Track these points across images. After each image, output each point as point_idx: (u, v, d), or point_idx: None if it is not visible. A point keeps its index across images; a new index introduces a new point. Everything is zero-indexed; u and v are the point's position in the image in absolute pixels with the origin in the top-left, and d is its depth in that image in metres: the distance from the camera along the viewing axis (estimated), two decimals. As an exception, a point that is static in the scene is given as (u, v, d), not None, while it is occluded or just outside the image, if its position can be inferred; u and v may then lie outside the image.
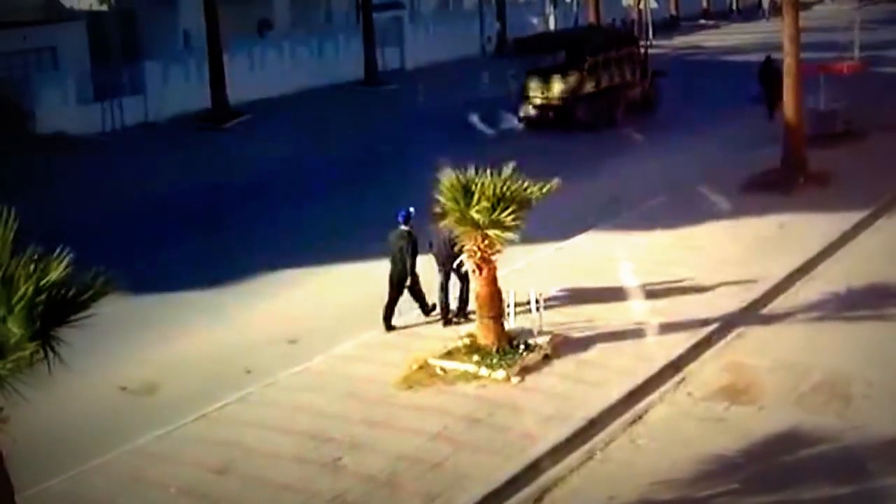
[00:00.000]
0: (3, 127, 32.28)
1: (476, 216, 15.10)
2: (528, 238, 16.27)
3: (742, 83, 37.56)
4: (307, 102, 40.44)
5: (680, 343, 16.14)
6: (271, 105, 39.35)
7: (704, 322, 16.89)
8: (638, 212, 23.45)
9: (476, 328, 15.85)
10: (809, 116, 27.64)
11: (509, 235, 15.24)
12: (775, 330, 17.14)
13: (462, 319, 17.00)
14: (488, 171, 15.35)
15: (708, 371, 15.64)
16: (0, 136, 31.97)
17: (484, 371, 15.02)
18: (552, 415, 13.83)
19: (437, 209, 15.54)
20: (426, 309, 17.42)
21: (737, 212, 22.91)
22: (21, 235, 9.02)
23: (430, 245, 17.03)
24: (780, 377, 15.26)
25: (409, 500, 11.92)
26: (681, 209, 23.35)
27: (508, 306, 16.24)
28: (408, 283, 17.03)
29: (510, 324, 16.16)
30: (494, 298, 15.67)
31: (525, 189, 15.33)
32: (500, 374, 14.96)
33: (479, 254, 15.42)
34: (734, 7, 75.66)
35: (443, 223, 15.76)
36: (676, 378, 15.31)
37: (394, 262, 17.07)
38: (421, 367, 15.27)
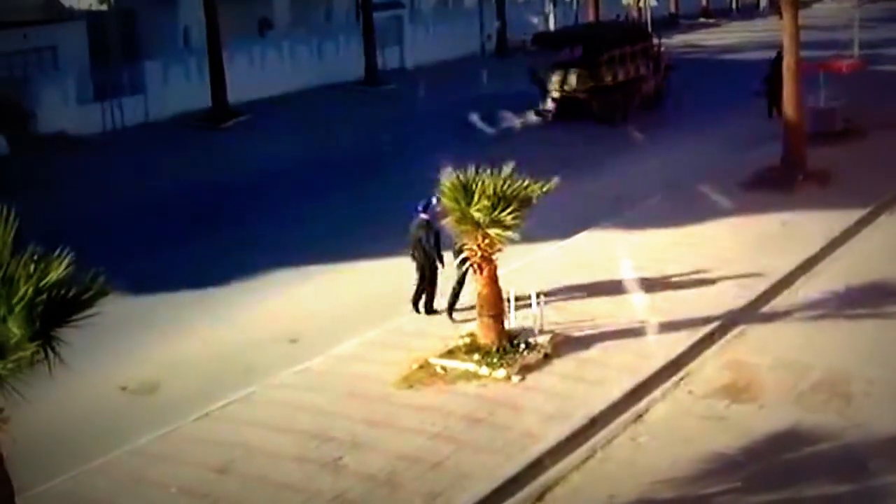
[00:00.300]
0: (3, 127, 32.29)
1: (476, 215, 15.10)
2: (529, 236, 16.28)
3: (742, 81, 37.61)
4: (307, 102, 40.45)
5: (680, 341, 16.14)
6: (271, 104, 39.36)
7: (705, 320, 16.89)
8: (639, 210, 23.45)
9: (476, 327, 15.85)
10: (809, 115, 27.63)
11: (510, 234, 15.24)
12: (776, 328, 17.14)
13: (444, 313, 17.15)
14: (489, 170, 15.36)
15: (709, 369, 15.65)
16: (1, 136, 32.10)
17: (484, 370, 15.02)
18: (553, 413, 13.83)
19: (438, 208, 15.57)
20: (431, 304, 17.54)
21: (737, 210, 22.90)
22: (21, 235, 9.02)
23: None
24: (781, 375, 15.26)
25: (409, 499, 11.92)
26: (681, 207, 23.35)
27: (509, 304, 16.24)
28: (440, 269, 17.14)
29: (510, 323, 16.16)
30: (495, 297, 15.68)
31: (525, 188, 15.33)
32: (501, 373, 14.96)
33: (479, 253, 15.43)
34: (733, 5, 75.66)
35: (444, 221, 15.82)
36: (677, 376, 15.31)
37: (414, 252, 17.11)
38: (421, 367, 15.27)
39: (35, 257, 8.88)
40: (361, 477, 12.35)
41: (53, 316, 8.78)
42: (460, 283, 17.04)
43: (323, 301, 18.87)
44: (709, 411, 14.30)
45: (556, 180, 15.71)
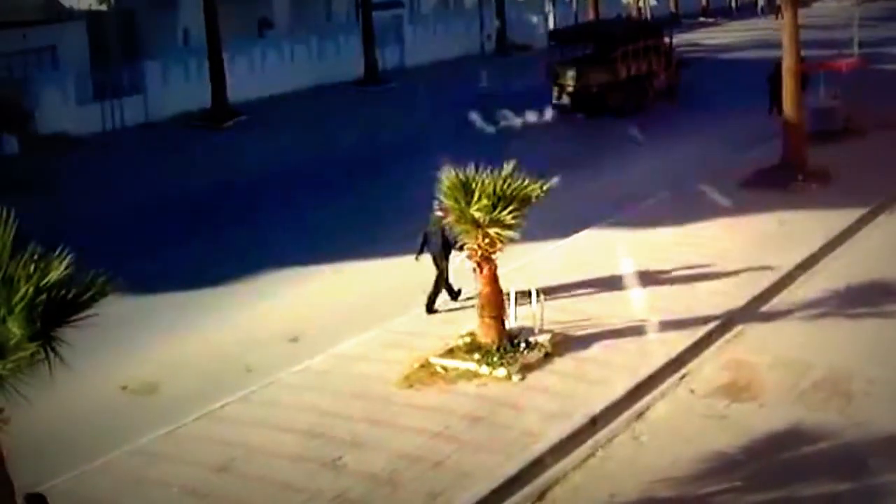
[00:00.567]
0: (3, 127, 32.30)
1: (476, 214, 15.10)
2: (528, 235, 16.29)
3: (742, 80, 37.61)
4: (307, 102, 40.43)
5: (681, 340, 16.14)
6: (271, 104, 39.37)
7: (705, 319, 16.90)
8: (639, 209, 23.45)
9: (477, 327, 15.85)
10: (809, 114, 27.62)
11: (510, 234, 15.24)
12: (776, 327, 17.14)
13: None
14: (489, 170, 15.37)
15: (709, 368, 15.65)
16: (11, 136, 32.15)
17: (485, 369, 15.03)
18: (553, 413, 13.83)
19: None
20: (453, 293, 17.71)
21: (737, 209, 22.90)
22: (21, 236, 9.02)
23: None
24: (781, 374, 15.26)
25: (410, 498, 11.93)
26: (681, 206, 23.35)
27: (509, 302, 16.24)
28: (444, 265, 17.32)
29: (511, 322, 16.16)
30: (495, 297, 15.68)
31: (525, 187, 15.33)
32: (501, 372, 14.96)
33: (479, 252, 15.43)
34: (733, 5, 75.63)
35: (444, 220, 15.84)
36: (677, 375, 15.31)
37: (431, 248, 17.26)
38: (422, 366, 15.28)
39: (35, 258, 8.89)
40: (362, 476, 12.36)
41: (53, 316, 8.79)
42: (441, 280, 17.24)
43: (323, 301, 18.87)
44: (709, 410, 14.30)
45: (555, 180, 15.71)
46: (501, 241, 15.35)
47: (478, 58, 51.81)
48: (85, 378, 13.70)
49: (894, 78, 38.09)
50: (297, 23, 46.88)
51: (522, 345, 15.54)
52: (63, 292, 8.91)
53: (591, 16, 49.72)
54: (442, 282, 17.52)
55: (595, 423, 13.73)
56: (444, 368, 15.18)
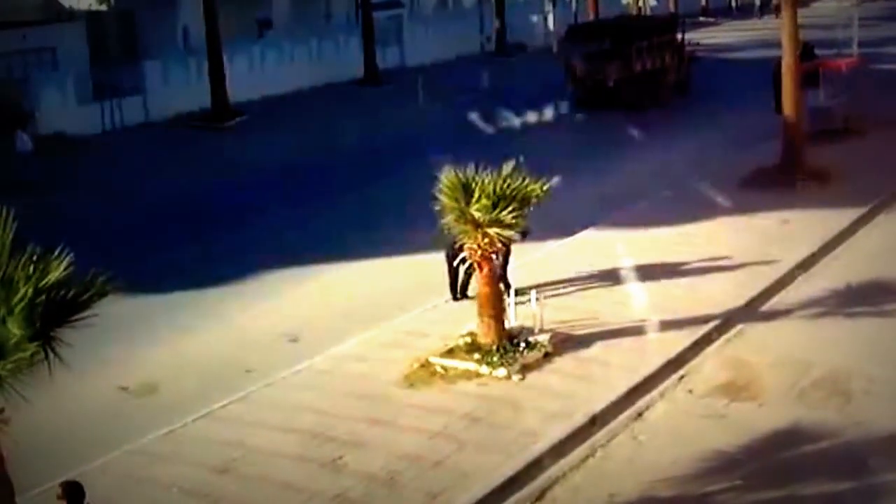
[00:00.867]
0: (2, 127, 32.30)
1: (476, 214, 15.09)
2: (528, 235, 16.28)
3: (742, 79, 37.65)
4: (307, 101, 40.44)
5: (680, 340, 16.15)
6: (271, 104, 39.36)
7: (705, 318, 16.90)
8: (639, 208, 23.45)
9: (477, 326, 15.84)
10: (809, 113, 27.62)
11: (509, 234, 15.24)
12: (776, 326, 17.14)
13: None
14: (489, 169, 15.37)
15: (709, 368, 15.65)
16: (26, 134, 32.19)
17: (485, 369, 15.02)
18: (553, 412, 13.83)
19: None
20: (455, 294, 17.73)
21: (737, 208, 22.90)
22: (20, 236, 9.02)
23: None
24: (781, 373, 15.26)
25: (410, 498, 11.93)
26: (681, 205, 23.36)
27: (509, 301, 16.24)
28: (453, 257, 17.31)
29: (511, 322, 16.16)
30: (495, 297, 15.68)
31: (525, 187, 15.32)
32: (501, 372, 14.96)
33: (479, 252, 15.42)
34: (732, 4, 75.64)
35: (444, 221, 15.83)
36: (677, 375, 15.31)
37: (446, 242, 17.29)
38: (422, 366, 15.28)
39: (34, 258, 8.89)
40: (362, 476, 12.36)
41: (53, 316, 8.79)
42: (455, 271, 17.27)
43: (323, 300, 18.87)
44: (709, 410, 14.30)
45: (556, 180, 15.70)
46: (501, 241, 15.35)
47: (478, 58, 51.82)
48: (85, 378, 13.72)
49: (894, 78, 38.09)
50: (297, 23, 46.87)
51: (522, 344, 15.53)
52: (63, 292, 8.91)
53: (591, 16, 49.73)
54: (463, 274, 17.51)
55: (595, 423, 13.72)
56: (444, 368, 15.18)
